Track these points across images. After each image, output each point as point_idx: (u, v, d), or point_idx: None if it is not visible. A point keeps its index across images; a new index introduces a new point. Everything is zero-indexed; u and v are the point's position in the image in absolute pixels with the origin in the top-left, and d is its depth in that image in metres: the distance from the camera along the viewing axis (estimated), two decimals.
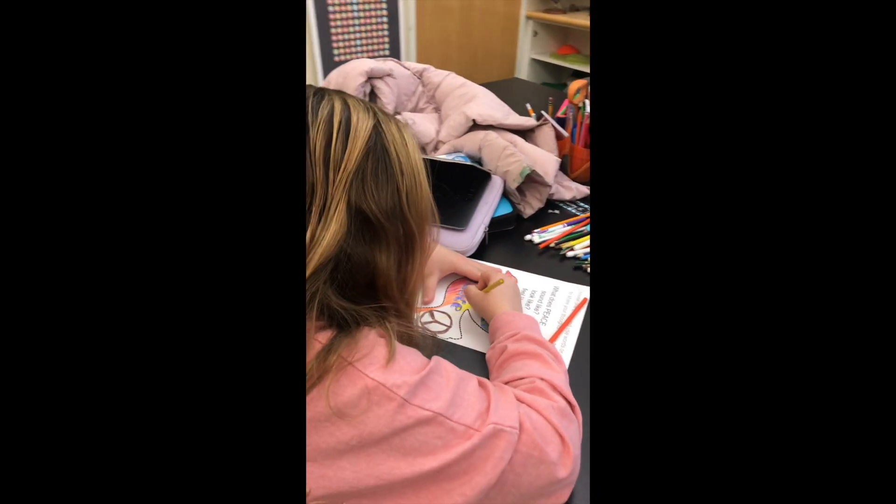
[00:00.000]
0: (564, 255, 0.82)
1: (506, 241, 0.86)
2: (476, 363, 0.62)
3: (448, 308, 0.71)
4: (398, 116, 1.05)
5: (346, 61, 1.22)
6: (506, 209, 0.89)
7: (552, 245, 0.84)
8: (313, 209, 0.39)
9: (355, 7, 2.30)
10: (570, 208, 0.96)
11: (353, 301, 0.42)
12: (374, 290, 0.45)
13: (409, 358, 0.42)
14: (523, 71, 2.96)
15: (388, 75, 1.05)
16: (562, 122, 1.05)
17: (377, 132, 0.43)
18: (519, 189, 0.91)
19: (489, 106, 1.02)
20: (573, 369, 0.62)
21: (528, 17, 2.80)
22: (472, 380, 0.44)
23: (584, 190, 0.99)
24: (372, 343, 0.40)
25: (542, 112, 1.05)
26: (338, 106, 0.42)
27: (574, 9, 2.76)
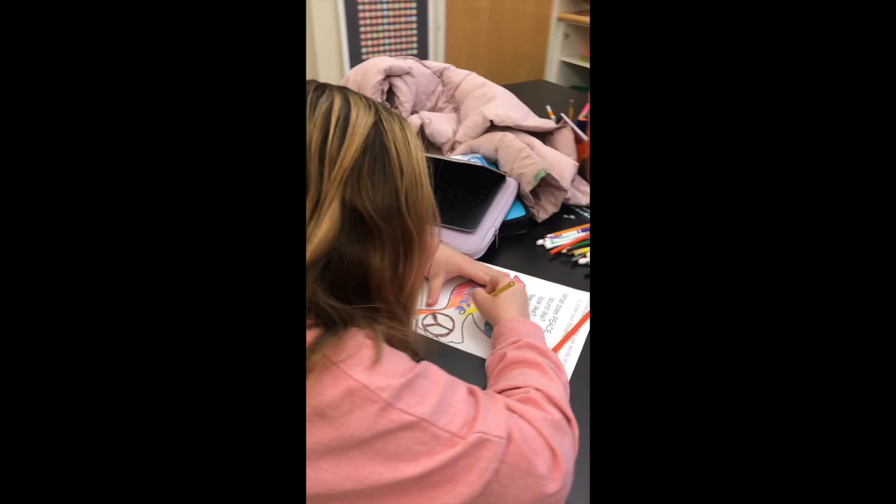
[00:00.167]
0: (576, 261, 0.80)
1: (517, 245, 0.84)
2: (476, 368, 0.61)
3: (451, 311, 0.70)
4: (415, 115, 1.04)
5: None
6: (519, 212, 0.87)
7: (564, 251, 0.82)
8: (306, 205, 0.38)
9: (384, 5, 2.31)
10: (585, 214, 0.94)
11: (343, 300, 0.41)
12: (366, 290, 0.44)
13: (396, 361, 0.40)
14: (552, 73, 2.92)
15: (407, 73, 1.05)
16: (583, 125, 1.02)
17: (377, 130, 0.42)
18: (534, 192, 0.89)
19: (507, 107, 1.00)
20: (576, 380, 0.60)
21: (560, 19, 2.76)
22: (461, 386, 0.43)
23: None
24: (358, 344, 0.39)
25: (562, 115, 1.03)
26: (337, 101, 0.41)
27: None
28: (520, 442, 0.40)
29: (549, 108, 1.11)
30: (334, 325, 0.40)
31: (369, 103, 0.44)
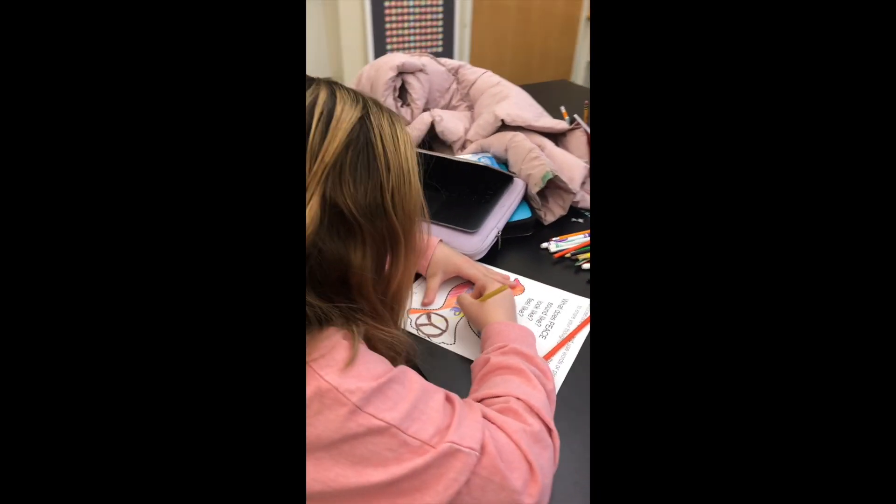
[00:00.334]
0: (580, 266, 0.78)
1: (521, 247, 0.83)
2: (465, 371, 0.60)
3: (446, 311, 0.69)
4: (426, 112, 1.03)
5: None
6: (525, 214, 0.86)
7: (568, 255, 0.80)
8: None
9: (411, 2, 2.31)
10: None
11: (323, 297, 0.41)
12: (347, 287, 0.43)
13: (371, 363, 0.40)
14: (580, 74, 2.88)
15: (420, 71, 1.04)
16: None
17: (363, 125, 0.41)
18: (542, 194, 0.88)
19: (520, 106, 0.99)
20: (567, 389, 0.58)
21: (589, 20, 2.72)
22: (437, 393, 0.42)
23: None
24: (332, 344, 0.39)
25: (576, 116, 1.01)
26: (322, 95, 0.41)
27: None
28: (494, 454, 0.39)
29: (563, 109, 1.08)
30: (310, 323, 0.39)
31: (357, 98, 0.43)
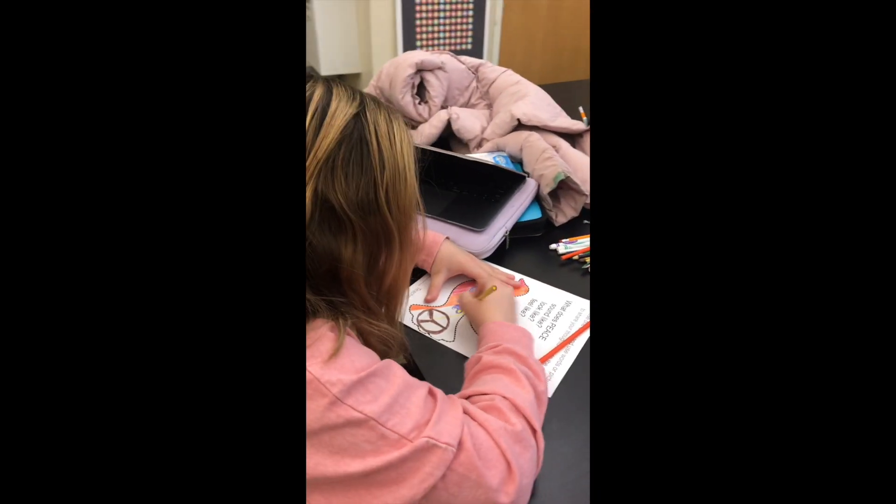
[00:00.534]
0: (587, 269, 0.77)
1: (529, 248, 0.82)
2: (461, 369, 0.60)
3: (448, 309, 0.69)
4: (444, 110, 1.04)
5: None
6: (535, 214, 0.85)
7: (576, 258, 0.79)
8: None
9: (442, 0, 2.31)
10: None
11: (312, 290, 0.42)
12: (337, 281, 0.44)
13: (356, 356, 0.41)
14: None
15: (439, 68, 1.04)
16: None
17: (357, 121, 0.42)
18: (555, 195, 0.87)
19: (537, 106, 0.98)
20: (562, 392, 0.58)
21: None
22: (421, 388, 0.42)
23: None
24: (318, 335, 0.40)
25: None
26: (318, 92, 0.42)
27: None
28: (471, 451, 0.40)
29: (581, 110, 1.07)
30: None
31: (354, 95, 0.44)
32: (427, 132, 1.02)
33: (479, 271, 0.70)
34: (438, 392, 0.44)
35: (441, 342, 0.64)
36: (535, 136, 0.92)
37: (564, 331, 0.66)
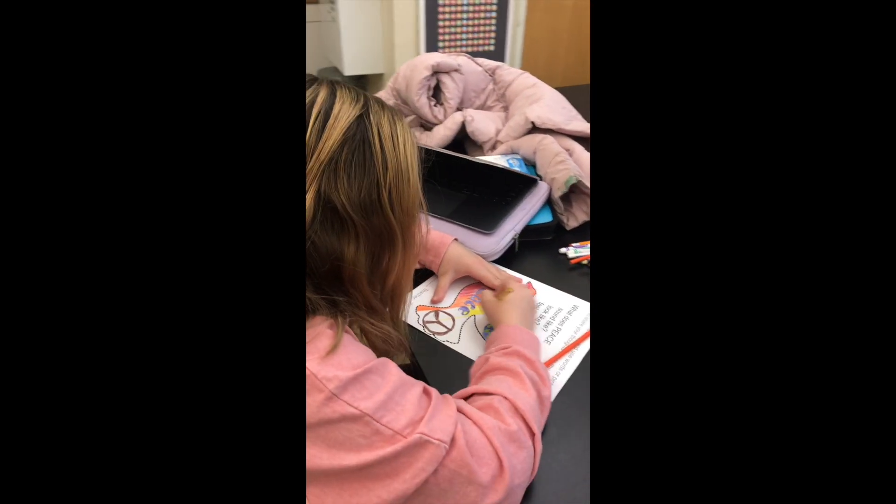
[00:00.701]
0: None
1: (539, 251, 0.82)
2: (463, 371, 0.60)
3: (455, 310, 0.70)
4: (459, 112, 1.04)
5: None
6: (547, 218, 0.85)
7: (584, 262, 0.79)
8: None
9: (465, 0, 2.31)
10: None
11: (314, 287, 0.43)
12: (340, 280, 0.45)
13: (353, 354, 0.42)
14: None
15: (455, 71, 1.05)
16: None
17: (360, 123, 0.43)
18: (566, 199, 0.87)
19: (552, 109, 0.98)
20: (563, 397, 0.58)
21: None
22: (416, 387, 0.43)
23: None
24: (316, 332, 0.41)
25: None
26: (322, 94, 0.43)
27: None
28: (463, 448, 0.40)
29: None
30: None
31: (357, 97, 0.44)
32: (441, 134, 1.03)
33: (486, 273, 0.70)
34: (433, 391, 0.44)
35: (445, 343, 0.65)
36: (549, 139, 0.92)
37: (569, 335, 0.66)
